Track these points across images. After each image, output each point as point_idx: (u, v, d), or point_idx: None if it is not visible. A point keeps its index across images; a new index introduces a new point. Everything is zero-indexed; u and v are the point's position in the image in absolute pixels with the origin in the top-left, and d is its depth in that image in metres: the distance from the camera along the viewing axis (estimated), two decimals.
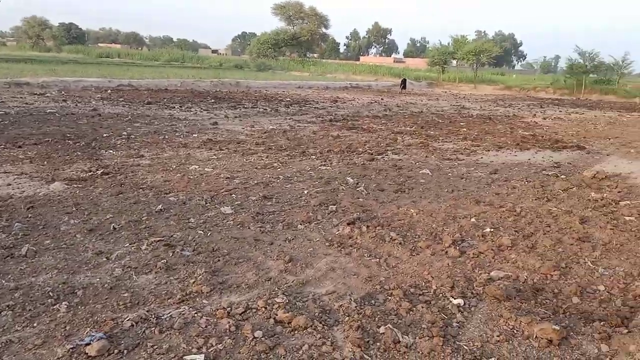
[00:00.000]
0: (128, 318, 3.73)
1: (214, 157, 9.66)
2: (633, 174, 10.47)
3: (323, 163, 9.68)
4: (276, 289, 4.34)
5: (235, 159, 9.60)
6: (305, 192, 7.52)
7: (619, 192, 8.63)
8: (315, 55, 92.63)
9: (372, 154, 10.78)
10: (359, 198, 7.37)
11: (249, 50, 74.24)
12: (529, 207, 7.34)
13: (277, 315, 3.87)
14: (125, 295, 4.11)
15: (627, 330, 3.95)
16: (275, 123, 15.28)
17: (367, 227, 5.98)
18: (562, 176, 9.68)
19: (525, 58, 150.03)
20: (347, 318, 3.90)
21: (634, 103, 37.41)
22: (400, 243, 5.57)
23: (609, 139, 15.93)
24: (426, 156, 11.11)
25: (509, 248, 5.60)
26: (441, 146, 12.58)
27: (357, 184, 8.20)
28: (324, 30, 77.07)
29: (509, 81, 54.37)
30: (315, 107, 21.09)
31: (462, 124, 17.77)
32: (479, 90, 46.29)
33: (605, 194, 8.33)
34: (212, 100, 20.95)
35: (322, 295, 4.30)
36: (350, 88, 37.82)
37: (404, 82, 39.44)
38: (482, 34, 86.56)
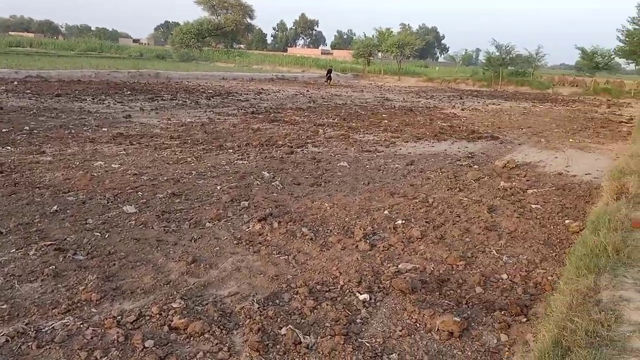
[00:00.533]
0: (2, 333, 3.37)
1: (123, 152, 9.15)
2: (542, 162, 10.94)
3: (240, 157, 9.42)
4: (175, 292, 4.10)
5: (146, 154, 9.14)
6: (218, 187, 7.25)
7: (527, 180, 8.97)
8: (242, 46, 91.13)
9: (291, 147, 10.63)
10: (273, 193, 7.19)
11: (172, 40, 71.65)
12: (441, 197, 7.45)
13: (172, 321, 3.63)
14: (4, 307, 3.73)
15: (526, 319, 4.03)
16: (194, 116, 14.79)
17: (279, 222, 5.82)
18: (475, 166, 9.95)
19: (448, 51, 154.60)
20: (248, 320, 3.73)
21: (547, 94, 39.48)
22: (311, 239, 5.45)
23: (522, 129, 16.64)
24: (346, 148, 11.09)
25: (418, 239, 5.62)
26: (362, 138, 12.63)
27: (273, 178, 8.02)
28: (249, 20, 75.98)
29: (432, 73, 55.74)
30: (238, 99, 20.66)
31: (384, 115, 17.98)
32: (403, 82, 47.30)
33: (514, 183, 8.62)
34: (128, 92, 20.03)
35: (224, 297, 4.10)
36: (276, 79, 37.50)
37: (329, 72, 39.46)
38: (407, 27, 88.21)
